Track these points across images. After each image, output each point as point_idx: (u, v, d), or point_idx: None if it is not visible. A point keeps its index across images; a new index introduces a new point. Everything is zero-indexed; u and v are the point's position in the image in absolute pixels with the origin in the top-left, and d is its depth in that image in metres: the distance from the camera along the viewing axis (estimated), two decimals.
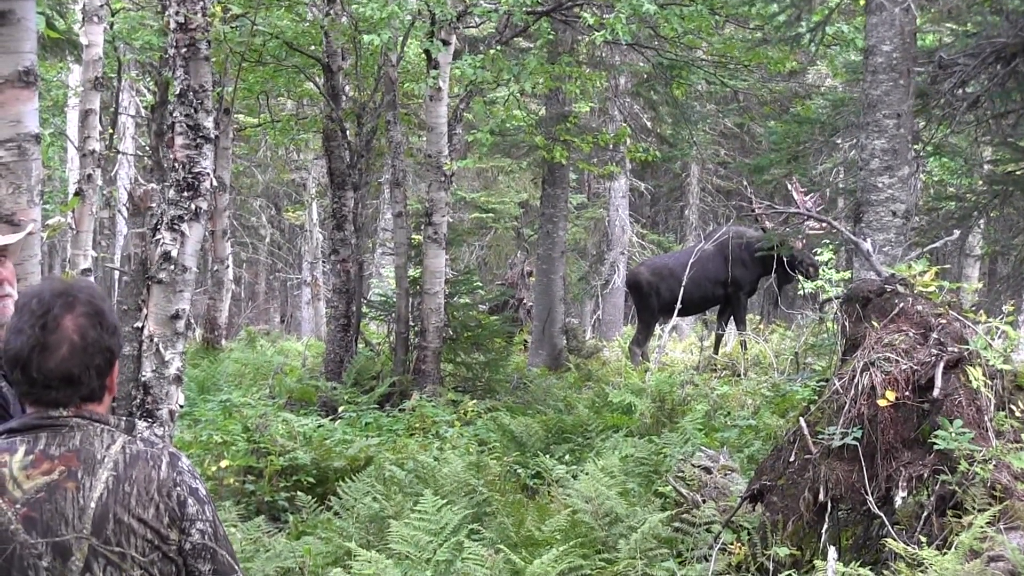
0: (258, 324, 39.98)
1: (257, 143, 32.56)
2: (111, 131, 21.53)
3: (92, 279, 15.36)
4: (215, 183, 7.59)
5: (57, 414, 3.21)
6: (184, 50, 6.97)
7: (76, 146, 17.22)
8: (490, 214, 30.99)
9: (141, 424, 6.61)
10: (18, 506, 3.10)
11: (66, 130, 25.83)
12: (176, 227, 6.91)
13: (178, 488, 3.22)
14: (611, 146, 22.81)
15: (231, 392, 15.53)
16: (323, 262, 26.00)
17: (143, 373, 6.85)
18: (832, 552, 6.11)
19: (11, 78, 4.72)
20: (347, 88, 18.13)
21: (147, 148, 24.40)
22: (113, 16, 17.99)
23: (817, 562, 6.32)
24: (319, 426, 13.06)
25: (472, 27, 18.66)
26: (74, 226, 14.41)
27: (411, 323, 16.61)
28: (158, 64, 19.46)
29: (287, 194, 41.24)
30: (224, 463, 11.19)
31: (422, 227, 16.79)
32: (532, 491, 10.49)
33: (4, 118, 4.72)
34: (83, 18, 15.16)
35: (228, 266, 23.50)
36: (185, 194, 6.92)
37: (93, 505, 3.12)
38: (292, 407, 15.34)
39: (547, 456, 10.83)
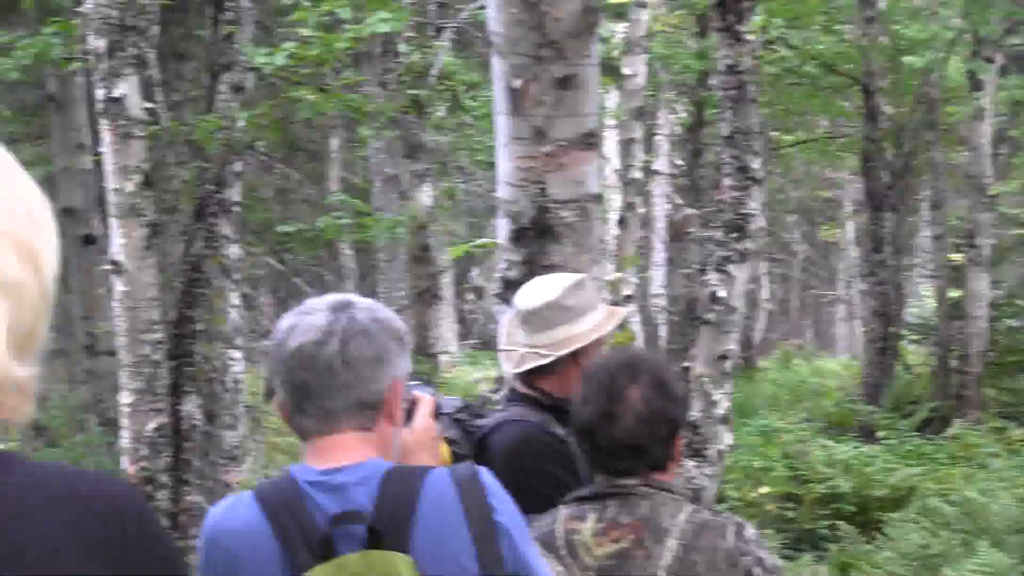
0: (790, 339, 39.88)
1: (790, 159, 32.47)
2: (648, 157, 22.05)
3: (635, 307, 15.78)
4: (762, 224, 7.64)
5: (624, 483, 3.29)
6: (732, 92, 7.04)
7: (617, 172, 17.73)
8: None
9: (690, 463, 6.75)
10: (591, 573, 3.20)
11: (602, 150, 26.61)
12: (723, 268, 6.98)
13: (744, 557, 3.23)
14: None
15: (768, 415, 15.56)
16: (859, 280, 25.62)
17: (691, 413, 6.96)
18: None
19: (575, 141, 4.90)
20: (885, 107, 17.79)
21: (682, 167, 24.82)
22: (651, 40, 18.43)
23: None
24: (858, 452, 12.86)
25: (1020, 44, 17.88)
26: (616, 252, 14.87)
27: (951, 347, 16.14)
28: (694, 85, 19.77)
29: (820, 210, 40.89)
30: (763, 489, 11.24)
31: (962, 249, 16.29)
32: None
33: (567, 179, 4.91)
34: (625, 48, 15.60)
35: (762, 285, 23.58)
36: (732, 235, 6.98)
37: (662, 574, 3.18)
38: (829, 432, 15.19)
39: None
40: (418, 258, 14.87)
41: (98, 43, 7.54)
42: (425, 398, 3.12)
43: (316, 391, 2.72)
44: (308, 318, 2.75)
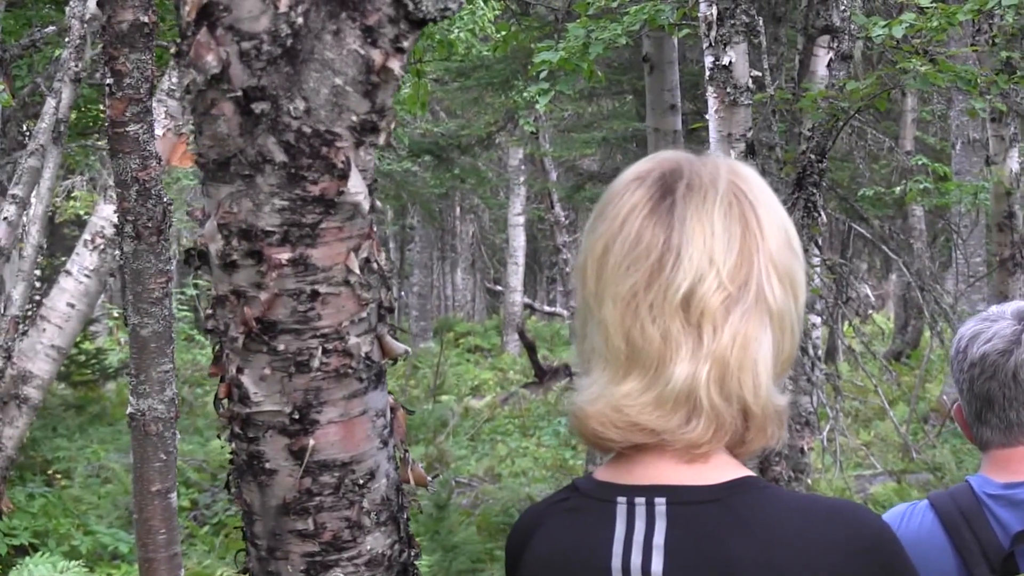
0: None
1: None
2: None
3: None
4: None
5: None
6: None
7: None
8: None
9: None
10: None
11: None
12: None
13: None
14: None
15: None
16: None
17: None
18: None
19: None
20: None
21: None
22: None
23: None
24: None
25: None
26: None
27: None
28: None
29: None
30: None
31: None
32: None
33: None
34: None
35: None
36: None
37: None
38: None
39: None
40: (1001, 225, 14.23)
41: (709, 11, 7.67)
42: None
43: (999, 401, 2.65)
44: (993, 326, 2.68)
